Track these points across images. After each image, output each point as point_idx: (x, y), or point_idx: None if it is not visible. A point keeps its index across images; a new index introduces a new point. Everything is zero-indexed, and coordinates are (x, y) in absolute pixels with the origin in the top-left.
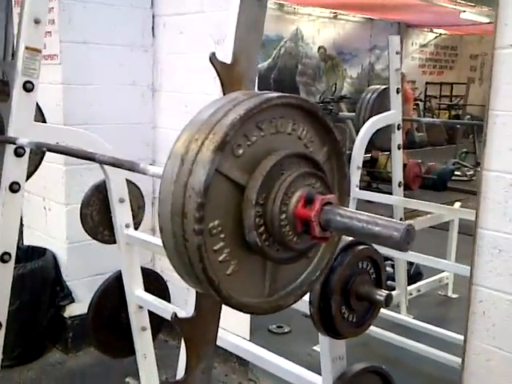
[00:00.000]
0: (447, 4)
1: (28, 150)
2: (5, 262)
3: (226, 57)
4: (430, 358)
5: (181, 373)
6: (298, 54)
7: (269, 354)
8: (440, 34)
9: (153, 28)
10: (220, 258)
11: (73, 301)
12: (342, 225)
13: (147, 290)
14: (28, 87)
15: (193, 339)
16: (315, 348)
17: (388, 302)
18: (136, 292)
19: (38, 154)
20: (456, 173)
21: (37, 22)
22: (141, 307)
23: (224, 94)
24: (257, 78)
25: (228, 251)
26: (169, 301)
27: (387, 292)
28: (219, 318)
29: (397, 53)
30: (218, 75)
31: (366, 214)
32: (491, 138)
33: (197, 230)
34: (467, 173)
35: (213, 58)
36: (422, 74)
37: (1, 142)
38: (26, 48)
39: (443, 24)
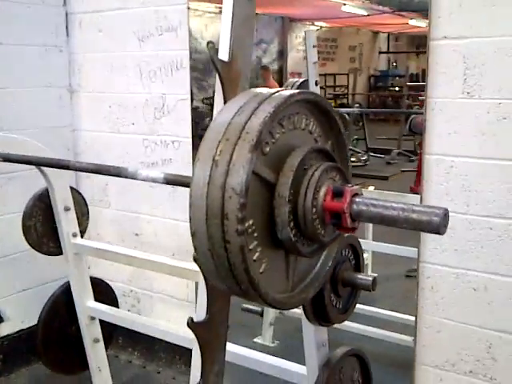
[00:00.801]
0: None
1: None
2: None
3: (222, 55)
4: (367, 336)
5: (195, 376)
6: None
7: (242, 348)
8: (321, 27)
9: (67, 27)
10: (254, 257)
11: (2, 320)
12: (376, 214)
13: (96, 300)
14: None
15: (207, 343)
16: (256, 340)
17: (374, 285)
18: (87, 303)
19: None
20: (351, 159)
21: None
22: (93, 318)
23: (224, 92)
24: None
25: (260, 249)
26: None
27: (373, 276)
28: (228, 320)
29: (313, 46)
30: (218, 73)
31: (397, 201)
32: (431, 123)
33: (239, 230)
34: (361, 158)
35: (214, 57)
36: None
37: None
38: None
39: (323, 17)
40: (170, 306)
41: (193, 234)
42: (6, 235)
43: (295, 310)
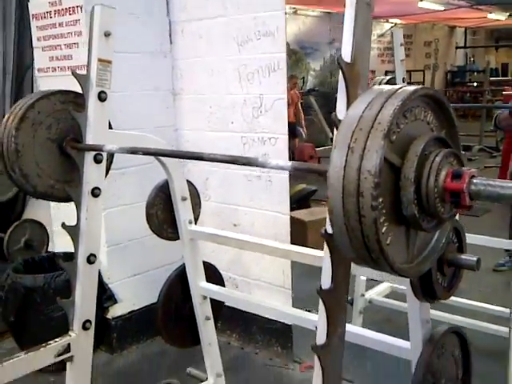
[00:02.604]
0: None
1: (105, 156)
2: (91, 263)
3: (345, 57)
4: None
5: (321, 338)
6: None
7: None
8: (395, 24)
9: (170, 35)
10: (383, 230)
11: (116, 302)
12: (493, 193)
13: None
14: (102, 97)
15: (332, 308)
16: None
17: (479, 265)
18: (200, 283)
19: (107, 160)
20: None
21: (107, 34)
22: (205, 297)
23: (347, 90)
24: None
25: (387, 224)
26: None
27: (477, 256)
28: (348, 288)
29: (401, 45)
30: (343, 73)
31: None
32: None
33: (374, 205)
34: None
35: (340, 59)
36: (381, 64)
37: (87, 150)
38: (99, 60)
39: (399, 14)
40: (267, 291)
41: (330, 211)
42: (118, 225)
43: (384, 299)
